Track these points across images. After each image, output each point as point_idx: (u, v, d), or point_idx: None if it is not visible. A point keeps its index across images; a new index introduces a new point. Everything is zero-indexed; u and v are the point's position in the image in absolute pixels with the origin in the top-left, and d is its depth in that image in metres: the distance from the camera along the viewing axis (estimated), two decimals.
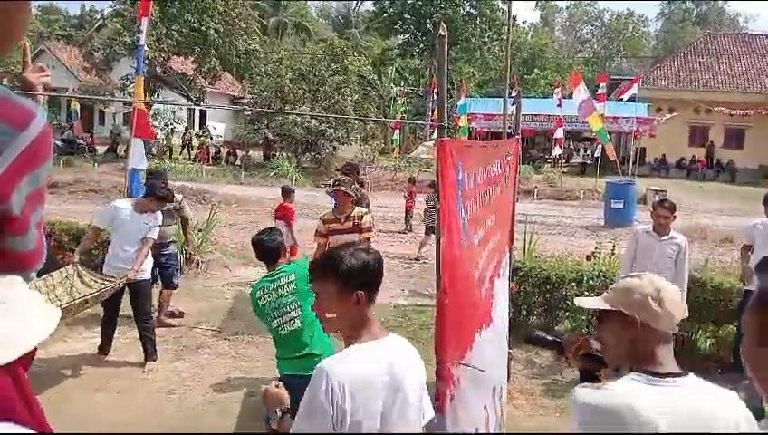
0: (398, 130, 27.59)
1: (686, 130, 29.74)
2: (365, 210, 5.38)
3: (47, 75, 1.83)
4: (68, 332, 6.18)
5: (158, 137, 25.84)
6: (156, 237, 5.64)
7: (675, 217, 5.33)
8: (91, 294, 5.11)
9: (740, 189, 22.99)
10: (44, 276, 5.10)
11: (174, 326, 6.60)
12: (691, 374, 1.66)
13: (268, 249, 3.77)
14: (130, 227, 5.42)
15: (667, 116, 24.72)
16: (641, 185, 18.62)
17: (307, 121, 23.52)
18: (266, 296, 3.68)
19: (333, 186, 5.42)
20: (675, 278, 5.03)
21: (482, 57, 38.48)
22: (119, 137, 28.44)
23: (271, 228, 4.05)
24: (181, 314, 6.89)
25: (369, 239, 5.30)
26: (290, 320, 3.62)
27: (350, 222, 5.22)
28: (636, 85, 21.03)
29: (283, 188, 9.36)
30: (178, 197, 6.84)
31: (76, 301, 5.00)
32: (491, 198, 4.43)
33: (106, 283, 5.28)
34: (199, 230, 8.96)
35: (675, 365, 1.68)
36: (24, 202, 1.20)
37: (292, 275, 3.68)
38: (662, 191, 20.62)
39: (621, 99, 22.60)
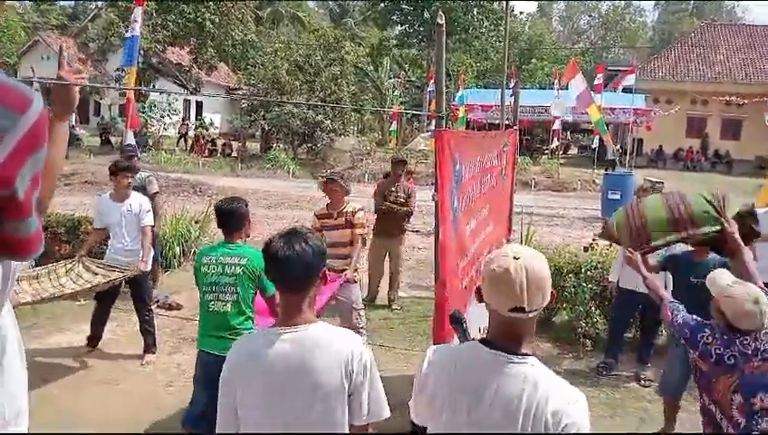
0: (395, 122, 27.54)
1: (684, 122, 29.73)
2: (359, 206, 5.33)
3: (83, 77, 1.84)
4: (66, 324, 6.17)
5: (153, 129, 25.78)
6: (152, 222, 5.62)
7: None
8: (99, 281, 5.10)
9: (737, 180, 23.01)
10: (48, 266, 5.11)
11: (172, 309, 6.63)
12: None
13: (228, 216, 3.64)
14: (113, 218, 5.41)
15: (672, 110, 24.66)
16: (638, 176, 18.63)
17: (304, 113, 23.45)
18: (210, 267, 3.63)
19: (325, 181, 5.28)
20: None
21: (480, 48, 38.36)
22: (110, 128, 28.38)
23: (237, 197, 3.85)
24: (179, 306, 6.88)
25: (362, 236, 5.28)
26: (223, 301, 3.60)
27: (343, 217, 5.17)
28: (633, 76, 20.98)
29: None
30: (144, 174, 6.84)
31: (83, 287, 5.01)
32: (486, 189, 4.42)
33: (115, 271, 5.26)
34: (196, 222, 8.93)
35: None
36: (27, 185, 1.21)
37: (245, 259, 3.61)
38: (659, 183, 20.66)
39: (615, 90, 22.51)
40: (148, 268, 5.52)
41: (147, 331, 5.55)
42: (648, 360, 5.59)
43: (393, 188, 7.19)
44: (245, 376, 1.98)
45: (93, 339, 5.64)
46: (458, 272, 3.54)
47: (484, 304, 1.76)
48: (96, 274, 5.21)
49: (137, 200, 5.51)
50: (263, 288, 3.66)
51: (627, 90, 21.67)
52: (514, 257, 1.67)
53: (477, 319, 3.68)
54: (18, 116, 1.16)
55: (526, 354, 1.70)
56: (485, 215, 4.43)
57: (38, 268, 5.06)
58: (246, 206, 3.74)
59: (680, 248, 4.48)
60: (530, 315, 1.68)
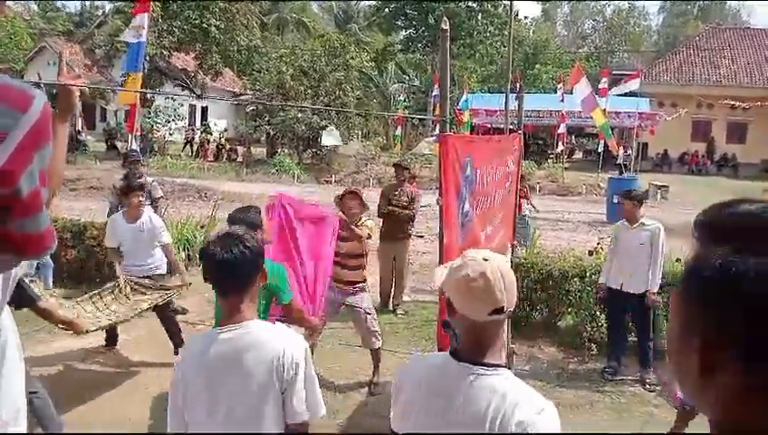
0: (399, 126, 27.55)
1: (689, 126, 29.65)
2: (369, 220, 5.29)
3: (82, 81, 1.91)
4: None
5: (158, 134, 25.86)
6: (169, 240, 5.64)
7: (639, 205, 5.60)
8: (151, 301, 5.07)
9: (742, 184, 22.93)
10: (93, 295, 4.97)
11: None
12: None
13: (241, 225, 3.61)
14: (126, 238, 5.39)
15: (677, 114, 24.59)
16: (643, 180, 18.58)
17: (308, 118, 23.50)
18: None
19: (343, 194, 5.17)
20: (649, 264, 5.41)
21: (484, 52, 38.38)
22: (116, 133, 28.46)
23: (250, 206, 3.80)
24: (184, 311, 6.89)
25: (364, 238, 5.19)
26: None
27: (353, 232, 5.09)
28: (638, 80, 20.93)
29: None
30: (149, 179, 6.88)
31: (138, 310, 4.96)
32: (503, 196, 4.43)
33: (160, 290, 5.25)
34: (201, 227, 8.96)
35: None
36: (35, 184, 1.21)
37: None
38: (664, 187, 20.62)
39: (616, 93, 22.33)
40: (187, 279, 5.52)
41: (173, 332, 5.54)
42: (648, 363, 5.58)
43: (396, 192, 7.22)
44: (188, 377, 2.05)
45: (110, 339, 5.72)
46: None
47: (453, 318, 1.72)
48: (144, 293, 5.15)
49: (149, 219, 5.49)
50: (278, 296, 3.65)
51: (632, 93, 21.58)
52: (484, 259, 1.67)
53: None
54: (20, 114, 1.16)
55: (498, 365, 1.66)
56: (500, 220, 4.43)
57: (81, 297, 4.91)
58: (259, 213, 3.69)
59: None
60: (507, 316, 1.68)
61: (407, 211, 7.17)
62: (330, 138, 24.12)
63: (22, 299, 3.50)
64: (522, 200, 11.60)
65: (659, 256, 5.46)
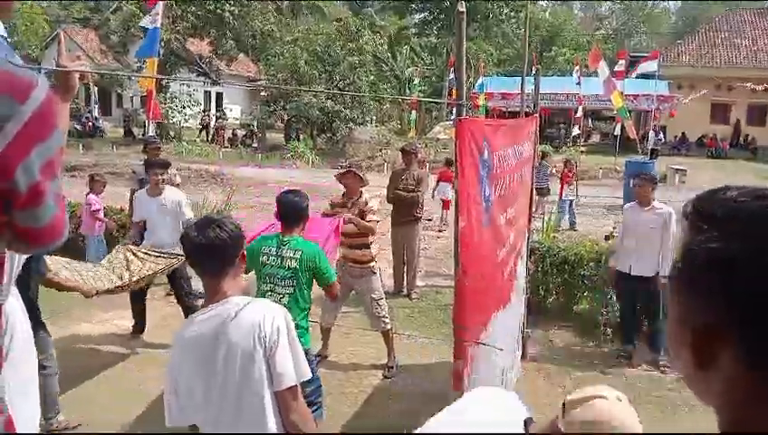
0: (414, 111, 27.42)
1: (708, 108, 29.18)
2: (370, 197, 5.35)
3: (83, 63, 1.89)
4: (89, 312, 6.28)
5: (173, 120, 25.98)
6: (191, 215, 5.72)
7: (654, 188, 5.59)
8: (150, 269, 5.16)
9: (761, 167, 22.58)
10: (97, 265, 5.12)
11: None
12: None
13: (289, 210, 3.63)
14: (150, 211, 5.60)
15: (693, 96, 24.22)
16: (661, 164, 18.38)
17: (322, 103, 23.46)
18: (269, 259, 3.62)
19: (340, 174, 5.29)
20: (660, 247, 5.37)
21: (500, 35, 37.99)
22: (132, 120, 28.70)
23: (298, 191, 3.82)
24: (203, 296, 6.96)
25: (373, 221, 5.23)
26: (279, 294, 3.58)
27: (357, 208, 5.15)
28: (655, 62, 20.61)
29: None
30: (171, 171, 6.97)
31: (143, 275, 5.07)
32: (521, 179, 4.40)
33: (160, 257, 5.33)
34: (218, 212, 9.02)
35: None
36: (35, 177, 1.17)
37: (300, 252, 3.61)
38: (682, 170, 20.36)
39: (629, 73, 21.96)
40: None
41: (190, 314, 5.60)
42: (659, 346, 5.55)
43: (403, 177, 7.24)
44: (180, 360, 2.13)
45: (137, 325, 5.85)
46: (498, 262, 3.52)
47: None
48: (144, 260, 5.26)
49: (172, 195, 5.68)
50: (319, 278, 3.68)
51: (648, 75, 21.27)
52: (618, 399, 1.56)
53: (504, 327, 3.68)
54: (18, 105, 1.12)
55: None
56: (519, 205, 4.41)
57: (90, 267, 5.04)
58: (307, 201, 3.70)
59: None
60: None
61: (412, 195, 7.18)
62: None
63: (31, 273, 3.56)
64: (565, 184, 11.69)
65: (670, 240, 5.40)
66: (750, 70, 28.37)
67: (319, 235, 4.39)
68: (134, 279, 5.00)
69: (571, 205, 11.85)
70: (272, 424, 2.06)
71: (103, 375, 5.02)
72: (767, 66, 28.91)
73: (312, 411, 3.71)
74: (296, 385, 2.10)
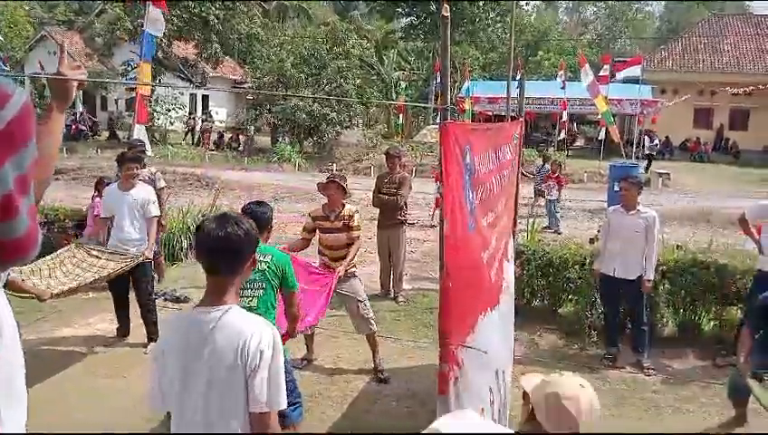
0: (401, 114, 27.48)
1: (691, 113, 29.51)
2: (355, 209, 5.34)
3: (82, 72, 1.85)
4: (72, 317, 6.23)
5: (158, 123, 25.84)
6: (158, 213, 5.73)
7: (639, 192, 5.62)
8: (103, 268, 5.16)
9: (742, 171, 22.89)
10: (50, 256, 5.15)
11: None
12: None
13: (257, 220, 3.68)
14: (118, 207, 5.54)
15: (676, 101, 24.48)
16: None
17: (309, 106, 23.44)
18: None
19: (322, 184, 5.21)
20: (645, 250, 5.43)
21: (486, 39, 38.16)
22: (116, 123, 28.64)
23: (263, 202, 4.03)
24: (186, 299, 6.93)
25: (358, 237, 5.24)
26: (248, 296, 3.63)
27: (340, 222, 5.09)
28: (639, 67, 20.81)
29: None
30: (153, 169, 6.98)
31: (98, 276, 5.07)
32: (504, 182, 4.43)
33: (115, 256, 5.33)
34: (203, 215, 8.99)
35: None
36: (8, 188, 1.13)
37: (270, 255, 3.71)
38: (666, 174, 20.58)
39: (614, 77, 22.12)
40: (151, 255, 5.60)
41: (148, 319, 5.61)
42: (643, 349, 5.61)
43: (386, 180, 7.28)
44: (166, 354, 2.10)
45: (121, 328, 5.82)
46: (483, 265, 3.54)
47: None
48: (99, 257, 5.28)
49: (143, 191, 5.64)
50: (285, 284, 3.75)
51: (632, 80, 21.45)
52: (581, 385, 1.83)
53: (494, 328, 3.70)
54: None
55: None
56: (502, 208, 4.43)
57: (35, 262, 5.00)
58: (271, 212, 3.86)
59: None
60: None
61: (391, 198, 7.20)
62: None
63: None
64: (546, 185, 11.92)
65: (654, 243, 5.49)
66: (732, 75, 28.74)
67: (312, 301, 4.61)
68: (102, 275, 5.04)
69: (554, 206, 12.05)
70: (237, 425, 2.04)
71: (85, 376, 4.98)
72: (749, 71, 29.32)
73: (292, 411, 3.70)
74: (269, 412, 2.03)
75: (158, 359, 2.15)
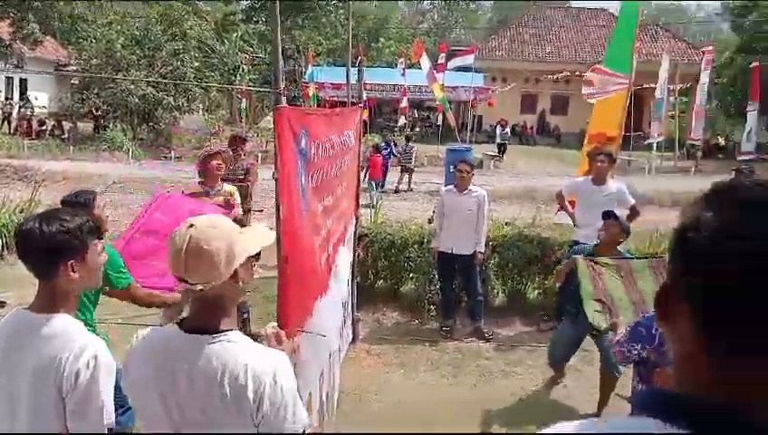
0: (245, 99, 26.76)
1: (518, 99, 31.83)
2: (234, 188, 5.22)
3: None
4: None
5: None
6: None
7: (473, 173, 6.06)
8: None
9: (563, 152, 25.13)
10: None
11: None
12: None
13: (72, 206, 3.42)
14: None
15: (505, 88, 26.26)
16: (478, 151, 19.74)
17: (143, 90, 22.03)
18: None
19: (205, 156, 5.12)
20: (477, 227, 5.88)
21: (329, 25, 38.22)
22: None
23: (84, 190, 3.69)
24: (2, 304, 6.27)
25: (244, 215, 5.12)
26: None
27: (221, 198, 4.97)
28: (471, 56, 22.04)
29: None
30: None
31: None
32: (343, 167, 4.48)
33: None
34: (20, 211, 8.15)
35: None
36: None
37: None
38: (497, 156, 22.08)
39: (453, 66, 23.27)
40: None
41: None
42: (479, 316, 6.05)
43: (232, 167, 7.07)
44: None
45: None
46: (315, 250, 3.56)
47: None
48: None
49: None
50: (109, 283, 3.39)
51: (467, 69, 22.66)
52: (189, 226, 1.64)
53: (328, 313, 3.75)
54: None
55: (225, 331, 1.66)
56: (341, 192, 4.48)
57: None
58: (94, 199, 3.48)
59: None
60: (196, 287, 1.62)
61: (242, 184, 7.02)
62: None
63: None
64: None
65: (485, 219, 5.97)
66: (555, 64, 31.33)
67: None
68: None
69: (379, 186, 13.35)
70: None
71: None
72: (570, 60, 32.15)
73: (121, 414, 3.46)
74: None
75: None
